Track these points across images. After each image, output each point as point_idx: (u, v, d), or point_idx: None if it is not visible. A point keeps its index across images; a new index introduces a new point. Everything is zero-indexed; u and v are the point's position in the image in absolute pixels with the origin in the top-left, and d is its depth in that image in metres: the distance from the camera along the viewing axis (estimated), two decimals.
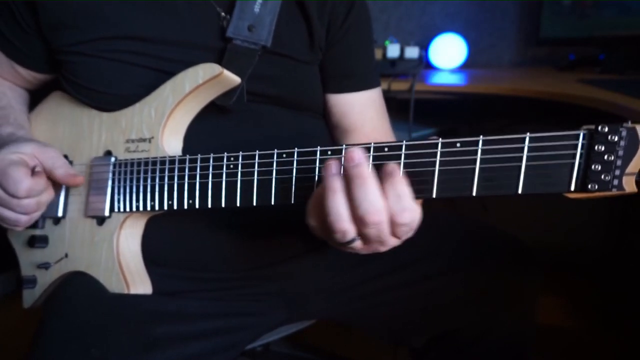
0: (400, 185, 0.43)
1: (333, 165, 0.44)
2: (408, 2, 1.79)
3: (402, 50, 1.53)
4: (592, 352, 1.35)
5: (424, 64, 1.65)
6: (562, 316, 1.50)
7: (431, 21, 1.79)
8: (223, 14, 0.67)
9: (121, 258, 0.64)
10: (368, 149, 0.47)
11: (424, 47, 1.69)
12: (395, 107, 1.42)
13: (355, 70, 0.76)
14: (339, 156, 0.48)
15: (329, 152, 0.49)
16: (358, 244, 0.46)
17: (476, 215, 0.80)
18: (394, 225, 0.44)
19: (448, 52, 1.68)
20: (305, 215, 0.49)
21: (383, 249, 0.47)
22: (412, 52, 1.52)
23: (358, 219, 0.43)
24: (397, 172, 0.43)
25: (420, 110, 1.37)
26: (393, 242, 0.46)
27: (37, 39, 0.68)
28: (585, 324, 1.47)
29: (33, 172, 0.62)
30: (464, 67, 1.72)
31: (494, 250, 0.76)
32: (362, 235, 0.45)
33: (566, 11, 1.50)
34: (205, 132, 0.67)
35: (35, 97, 0.79)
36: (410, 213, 0.44)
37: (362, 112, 0.77)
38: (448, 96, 1.48)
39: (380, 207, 0.43)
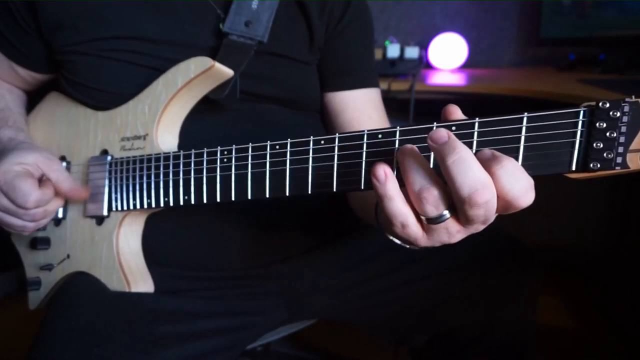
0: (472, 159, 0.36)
1: (381, 173, 0.39)
2: (408, 2, 1.79)
3: (402, 50, 1.52)
4: (592, 352, 1.35)
5: (424, 64, 1.65)
6: (562, 316, 1.50)
7: (431, 21, 1.79)
8: (220, 12, 0.67)
9: (121, 257, 0.64)
10: (361, 137, 0.46)
11: (424, 47, 1.69)
12: (395, 107, 1.41)
13: (352, 68, 0.76)
14: (359, 150, 0.45)
15: (322, 142, 0.48)
16: (453, 227, 0.40)
17: None
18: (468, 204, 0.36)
19: (448, 52, 1.68)
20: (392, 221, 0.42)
21: (482, 227, 0.40)
22: (412, 52, 1.52)
23: (464, 201, 0.36)
24: (453, 138, 0.37)
25: (420, 110, 1.37)
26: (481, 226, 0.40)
27: (37, 39, 0.68)
28: (585, 324, 1.47)
29: (40, 181, 0.62)
30: (464, 67, 1.72)
31: (494, 249, 0.76)
32: (466, 218, 0.38)
33: (566, 11, 1.50)
34: (201, 131, 0.67)
35: (33, 99, 0.79)
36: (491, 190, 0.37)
37: (359, 111, 0.76)
38: (448, 96, 1.48)
39: (488, 181, 0.36)
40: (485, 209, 0.37)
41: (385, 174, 0.39)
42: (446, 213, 0.39)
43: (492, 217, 0.39)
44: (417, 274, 0.74)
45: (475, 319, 0.74)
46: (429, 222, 0.40)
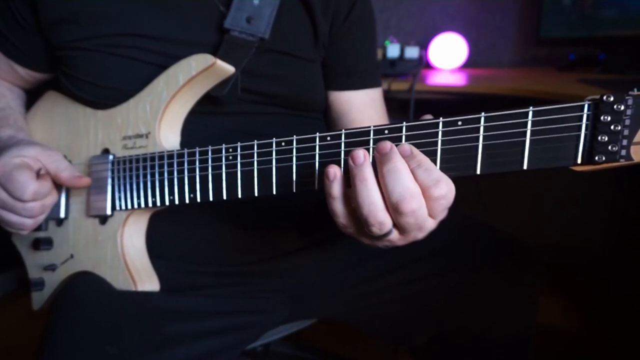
0: (425, 160, 0.42)
1: (360, 155, 0.42)
2: (408, 2, 1.79)
3: (402, 50, 1.53)
4: (592, 352, 1.35)
5: (424, 64, 1.65)
6: (562, 316, 1.50)
7: (431, 21, 1.79)
8: (223, 8, 0.66)
9: (126, 256, 0.64)
10: (368, 133, 0.46)
11: (424, 47, 1.69)
12: (395, 107, 1.42)
13: (357, 68, 0.76)
14: (366, 146, 0.46)
15: (328, 138, 0.48)
16: (395, 236, 0.44)
17: (476, 215, 0.80)
18: (431, 200, 0.41)
19: (448, 52, 1.68)
20: (333, 218, 0.47)
21: (421, 235, 0.45)
22: (412, 52, 1.52)
23: (393, 208, 0.41)
24: (415, 149, 0.42)
25: (420, 110, 1.37)
26: (430, 224, 0.44)
27: (37, 38, 0.68)
28: (585, 324, 1.47)
29: (38, 175, 0.62)
30: (464, 67, 1.72)
31: (495, 250, 0.76)
32: (398, 225, 0.43)
33: (566, 11, 1.50)
34: (201, 129, 0.67)
35: (31, 97, 0.79)
36: (447, 184, 0.41)
37: (362, 111, 0.77)
38: (448, 96, 1.48)
39: (416, 191, 0.41)
40: (414, 217, 0.41)
41: (335, 174, 0.43)
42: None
43: (426, 222, 0.43)
44: (417, 274, 0.74)
45: (475, 319, 0.75)
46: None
